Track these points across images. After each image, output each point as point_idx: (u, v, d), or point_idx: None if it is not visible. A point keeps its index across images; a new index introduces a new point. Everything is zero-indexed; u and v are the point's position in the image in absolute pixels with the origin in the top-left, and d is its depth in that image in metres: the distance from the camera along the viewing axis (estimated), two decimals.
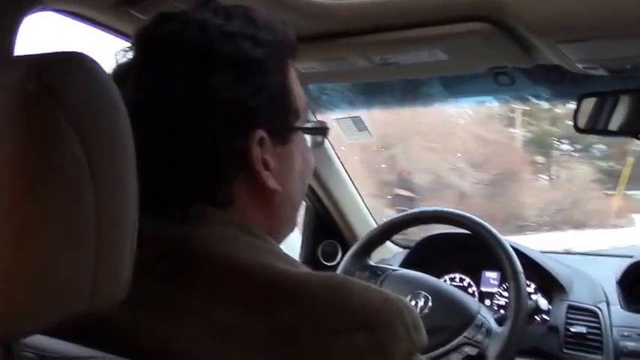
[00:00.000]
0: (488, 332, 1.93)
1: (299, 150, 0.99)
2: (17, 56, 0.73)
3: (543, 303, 2.11)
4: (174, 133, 0.89)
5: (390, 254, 2.67)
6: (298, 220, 1.07)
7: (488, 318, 1.98)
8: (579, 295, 2.16)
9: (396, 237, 2.54)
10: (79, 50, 0.69)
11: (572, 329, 2.08)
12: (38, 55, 0.67)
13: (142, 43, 0.95)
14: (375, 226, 2.51)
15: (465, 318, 1.95)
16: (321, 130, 1.07)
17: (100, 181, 0.64)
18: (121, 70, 0.94)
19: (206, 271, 0.83)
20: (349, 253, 2.28)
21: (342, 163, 2.64)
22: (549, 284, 2.20)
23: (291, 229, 1.05)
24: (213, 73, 0.88)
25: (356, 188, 2.73)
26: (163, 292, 0.83)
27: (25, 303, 0.61)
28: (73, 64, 0.66)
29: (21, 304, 0.61)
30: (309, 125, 1.03)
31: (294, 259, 0.90)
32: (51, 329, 0.66)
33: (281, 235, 1.01)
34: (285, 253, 0.91)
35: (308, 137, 1.04)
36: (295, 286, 0.81)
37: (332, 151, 2.57)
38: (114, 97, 0.68)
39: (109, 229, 0.66)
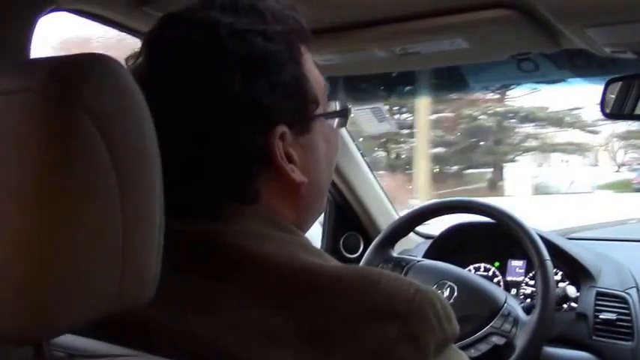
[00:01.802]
0: (516, 321, 1.93)
1: (322, 135, 0.99)
2: (36, 58, 0.72)
3: (571, 290, 2.09)
4: (194, 137, 0.89)
5: (412, 245, 2.66)
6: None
7: (515, 307, 1.99)
8: (608, 282, 2.14)
9: (418, 228, 2.54)
10: (100, 52, 0.69)
11: (602, 316, 2.06)
12: (59, 57, 0.68)
13: (150, 48, 0.95)
14: (397, 217, 2.50)
15: (491, 307, 1.96)
16: (341, 113, 1.06)
17: (124, 180, 0.65)
18: (133, 77, 0.93)
19: (237, 267, 0.84)
20: (372, 244, 2.29)
21: (362, 154, 2.64)
22: (577, 271, 2.18)
23: (319, 216, 1.07)
24: (226, 75, 0.88)
25: (376, 179, 2.73)
26: (195, 290, 0.84)
27: (53, 303, 0.62)
28: (95, 65, 0.67)
29: (50, 304, 0.62)
30: (329, 110, 1.03)
31: (323, 252, 0.92)
32: (81, 329, 0.68)
33: (308, 224, 1.03)
34: (314, 246, 0.92)
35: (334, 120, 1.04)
36: (326, 279, 0.82)
37: (351, 142, 2.56)
38: (136, 97, 0.69)
39: (135, 228, 0.67)
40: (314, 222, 1.05)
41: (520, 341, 1.89)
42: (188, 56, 0.90)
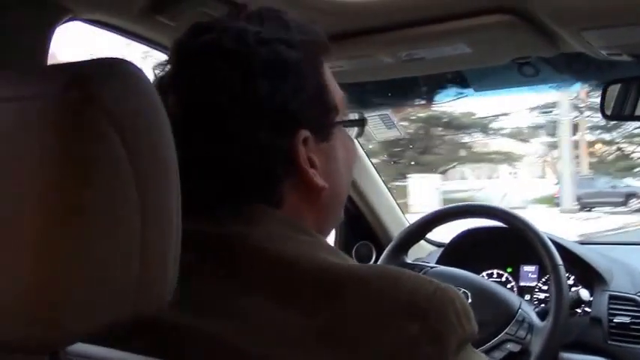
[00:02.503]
0: (531, 327, 1.92)
1: (341, 143, 1.02)
2: (55, 64, 0.74)
3: (585, 294, 2.06)
4: (221, 141, 0.92)
5: (424, 253, 2.66)
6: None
7: (529, 313, 1.97)
8: (620, 285, 2.14)
9: (430, 236, 2.53)
10: (120, 56, 0.70)
11: (616, 320, 2.06)
12: (79, 62, 0.69)
13: (180, 54, 0.98)
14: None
15: (506, 314, 1.95)
16: (360, 122, 1.09)
17: (143, 184, 0.65)
18: (161, 84, 0.96)
19: (258, 269, 0.85)
20: (386, 251, 2.28)
21: (372, 162, 2.65)
22: (589, 275, 2.18)
23: (337, 223, 1.08)
24: (253, 80, 0.91)
25: (388, 188, 2.74)
26: (214, 291, 0.85)
27: (69, 310, 0.62)
28: (114, 69, 0.68)
29: (65, 312, 0.62)
30: (347, 118, 1.05)
31: (343, 254, 0.93)
32: (98, 335, 0.67)
33: (328, 230, 1.05)
34: (334, 248, 0.94)
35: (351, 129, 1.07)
36: (347, 278, 0.83)
37: (361, 150, 2.57)
38: (155, 102, 0.70)
39: (153, 232, 0.67)
40: (332, 229, 1.08)
41: (535, 347, 1.87)
42: (218, 61, 0.92)
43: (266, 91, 0.91)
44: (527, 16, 1.51)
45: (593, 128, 23.76)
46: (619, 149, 24.04)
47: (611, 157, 24.35)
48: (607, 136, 23.74)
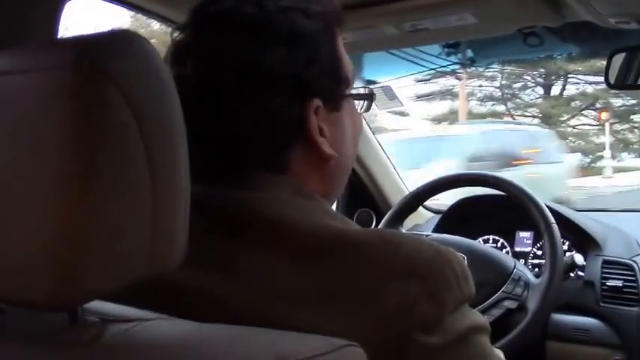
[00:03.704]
0: (527, 285, 1.93)
1: (349, 115, 1.00)
2: (65, 38, 0.74)
3: (579, 258, 2.07)
4: (235, 106, 0.90)
5: (422, 220, 2.65)
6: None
7: (525, 272, 1.99)
8: (614, 250, 2.12)
9: (429, 202, 2.52)
10: (128, 29, 0.71)
11: (608, 283, 2.05)
12: (88, 35, 0.69)
13: (199, 20, 0.95)
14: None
15: (502, 273, 1.95)
16: (368, 96, 1.06)
17: (152, 149, 0.65)
18: (178, 50, 0.95)
19: (263, 232, 0.85)
20: (384, 220, 2.28)
21: (373, 132, 2.62)
22: (584, 240, 2.17)
23: (341, 192, 1.06)
24: (270, 47, 0.89)
25: (388, 157, 2.72)
26: (223, 253, 0.84)
27: (86, 269, 0.63)
28: (122, 41, 0.68)
29: (82, 271, 0.63)
30: (357, 91, 1.04)
31: (345, 217, 0.93)
32: (115, 294, 0.68)
33: (332, 198, 1.02)
34: (338, 213, 0.94)
35: (356, 102, 1.04)
36: (349, 241, 0.82)
37: (363, 120, 2.52)
38: (163, 72, 0.70)
39: (163, 195, 0.67)
40: (336, 197, 1.06)
41: (532, 303, 1.88)
42: (236, 26, 0.91)
43: (282, 58, 0.89)
44: None
45: (484, 99, 23.47)
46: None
47: None
48: (501, 108, 23.46)
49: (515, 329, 1.85)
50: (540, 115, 22.97)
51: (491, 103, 23.40)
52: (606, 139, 21.74)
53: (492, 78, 22.54)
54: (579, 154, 21.37)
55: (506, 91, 23.41)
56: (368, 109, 1.08)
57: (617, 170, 20.59)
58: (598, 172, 20.46)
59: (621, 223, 2.29)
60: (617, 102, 22.86)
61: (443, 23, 1.71)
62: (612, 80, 1.84)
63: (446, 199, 2.53)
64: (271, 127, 0.90)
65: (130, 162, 0.64)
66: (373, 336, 0.77)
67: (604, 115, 21.78)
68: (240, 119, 0.90)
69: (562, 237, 1.98)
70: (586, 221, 2.22)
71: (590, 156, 22.25)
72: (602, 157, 21.24)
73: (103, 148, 0.62)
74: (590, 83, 22.48)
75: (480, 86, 22.92)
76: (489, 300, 1.91)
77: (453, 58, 2.06)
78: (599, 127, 22.80)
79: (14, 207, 0.63)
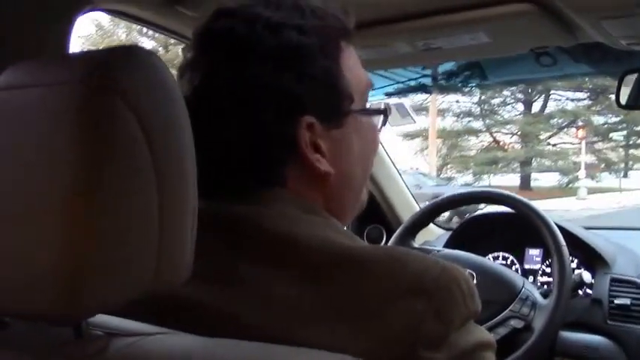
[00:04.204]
0: (534, 305, 1.90)
1: (358, 132, 0.97)
2: (76, 53, 0.75)
3: (587, 276, 2.04)
4: (226, 122, 0.90)
5: (433, 237, 2.63)
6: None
7: (533, 291, 1.95)
8: (622, 268, 2.10)
9: (438, 220, 2.52)
10: (137, 44, 0.72)
11: (616, 301, 2.02)
12: (100, 50, 0.69)
13: (196, 38, 0.96)
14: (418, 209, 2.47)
15: (510, 292, 1.92)
16: (378, 112, 1.03)
17: (161, 164, 0.65)
18: (181, 66, 0.96)
19: (270, 248, 0.84)
20: (394, 236, 2.26)
21: (384, 148, 2.60)
22: (592, 258, 2.14)
23: (354, 212, 1.03)
24: (259, 65, 0.89)
25: (399, 173, 2.70)
26: (228, 268, 0.84)
27: (92, 283, 0.62)
28: (131, 56, 0.68)
29: (88, 285, 0.62)
30: (365, 107, 1.00)
31: (352, 234, 0.92)
32: (119, 308, 0.68)
33: (342, 215, 0.99)
34: (344, 229, 0.92)
35: (373, 118, 1.02)
36: (356, 258, 0.81)
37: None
38: (172, 86, 0.70)
39: (170, 211, 0.67)
40: (351, 215, 1.02)
41: (538, 324, 1.85)
42: (229, 46, 0.91)
43: (269, 75, 0.88)
44: (547, 5, 1.46)
45: (461, 115, 22.51)
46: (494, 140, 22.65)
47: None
48: (477, 124, 22.55)
49: (521, 348, 1.83)
50: (519, 133, 22.33)
51: (468, 119, 22.63)
52: (582, 158, 21.10)
53: (470, 93, 21.42)
54: (557, 173, 20.89)
55: (485, 106, 22.48)
56: (383, 125, 1.05)
57: (595, 191, 20.00)
58: (575, 192, 20.01)
59: (630, 242, 2.27)
60: (598, 119, 22.10)
61: (456, 42, 1.69)
62: (624, 101, 1.82)
63: None
64: (262, 143, 0.89)
65: (137, 177, 0.64)
66: (380, 353, 0.76)
67: (581, 133, 21.05)
68: (232, 134, 0.90)
69: (570, 254, 1.95)
70: (594, 239, 2.20)
71: (569, 175, 21.51)
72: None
73: (110, 163, 0.62)
74: (572, 100, 21.74)
75: (457, 102, 22.20)
76: (496, 318, 1.89)
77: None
78: (579, 145, 22.10)
79: (21, 220, 0.63)
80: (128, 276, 0.65)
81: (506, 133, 22.64)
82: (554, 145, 22.51)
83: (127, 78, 0.65)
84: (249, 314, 0.79)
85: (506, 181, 20.61)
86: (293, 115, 0.89)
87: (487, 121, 22.29)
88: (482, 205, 2.58)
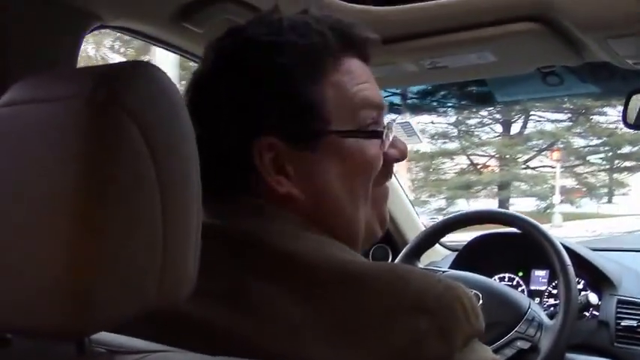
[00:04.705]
0: (540, 326, 1.87)
1: (338, 154, 0.92)
2: (83, 68, 0.75)
3: (593, 298, 2.03)
4: (203, 135, 0.85)
5: (439, 257, 2.61)
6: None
7: (539, 312, 1.92)
8: (629, 290, 2.08)
9: (445, 240, 2.50)
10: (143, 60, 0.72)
11: (623, 323, 2.01)
12: (106, 65, 0.71)
13: (204, 54, 0.98)
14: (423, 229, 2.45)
15: (516, 313, 1.89)
16: (365, 134, 0.95)
17: (165, 179, 0.65)
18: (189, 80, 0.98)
19: (271, 264, 0.83)
20: (400, 255, 2.23)
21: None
22: (598, 280, 2.13)
23: (358, 238, 0.96)
24: (230, 84, 0.90)
25: (405, 192, 2.68)
26: (231, 284, 0.83)
27: (94, 300, 0.62)
28: (137, 71, 0.69)
29: (91, 301, 0.61)
30: (351, 129, 0.93)
31: (354, 252, 0.91)
32: (123, 325, 0.67)
33: (349, 244, 0.93)
34: (344, 246, 0.89)
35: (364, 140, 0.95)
36: (359, 275, 0.81)
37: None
38: (177, 101, 0.70)
39: (174, 228, 0.66)
40: (356, 241, 0.96)
41: (544, 345, 1.82)
42: (218, 59, 0.94)
43: (240, 91, 0.90)
44: (554, 24, 1.46)
45: (436, 137, 20.80)
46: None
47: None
48: (452, 146, 21.11)
49: None
50: (497, 155, 21.24)
51: (443, 141, 21.16)
52: (557, 182, 20.10)
53: (445, 113, 19.54)
54: (534, 198, 19.93)
55: (462, 127, 21.09)
56: (381, 146, 0.97)
57: (574, 217, 19.01)
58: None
59: (637, 263, 2.24)
60: (579, 142, 20.93)
61: (462, 61, 1.69)
62: (631, 120, 1.82)
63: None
64: (223, 160, 0.90)
65: (141, 191, 0.64)
66: None
67: (556, 155, 20.02)
68: (205, 146, 0.84)
69: (577, 276, 1.93)
70: (601, 260, 2.18)
71: (547, 201, 20.02)
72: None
73: (114, 177, 0.62)
74: (553, 121, 20.62)
75: (432, 122, 20.48)
76: (502, 340, 1.85)
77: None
78: (559, 168, 20.91)
79: (24, 234, 0.62)
80: (132, 292, 0.64)
81: (483, 156, 21.62)
82: (534, 168, 21.48)
83: (133, 92, 0.65)
84: (253, 331, 0.78)
85: (482, 205, 19.97)
86: (252, 134, 0.89)
87: (463, 142, 21.15)
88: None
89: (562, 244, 1.97)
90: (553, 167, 20.59)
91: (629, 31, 1.42)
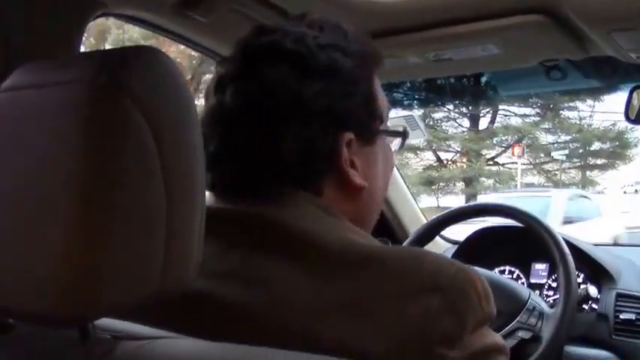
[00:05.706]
0: (541, 315, 1.86)
1: (382, 151, 1.01)
2: (88, 52, 0.74)
3: (593, 291, 2.02)
4: (271, 133, 0.91)
5: (439, 250, 2.58)
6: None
7: (539, 302, 1.91)
8: (628, 284, 2.07)
9: (446, 233, 2.47)
10: (146, 44, 0.70)
11: (622, 316, 2.00)
12: (108, 50, 0.69)
13: (243, 51, 0.96)
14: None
15: (517, 303, 1.88)
16: (400, 134, 1.07)
17: (168, 165, 0.64)
18: (221, 77, 0.96)
19: (287, 244, 0.84)
20: None
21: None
22: (598, 273, 2.12)
23: (372, 225, 1.04)
24: (307, 80, 0.91)
25: (407, 185, 2.67)
26: (249, 265, 0.84)
27: (98, 285, 0.61)
28: (140, 56, 0.67)
29: (95, 286, 0.61)
30: (391, 129, 1.05)
31: (369, 235, 0.93)
32: (128, 310, 0.67)
33: (366, 230, 1.00)
34: (362, 231, 0.92)
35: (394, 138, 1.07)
36: (373, 256, 0.82)
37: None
38: (181, 86, 0.69)
39: (178, 212, 0.66)
40: (370, 227, 1.04)
41: (546, 333, 1.81)
42: (276, 59, 0.92)
43: (317, 92, 0.90)
44: (558, 16, 1.45)
45: None
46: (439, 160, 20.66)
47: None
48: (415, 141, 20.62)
49: (529, 359, 1.79)
50: (463, 151, 20.79)
51: None
52: (518, 179, 19.87)
53: (410, 106, 19.53)
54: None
55: (428, 122, 20.56)
56: (402, 146, 1.10)
57: None
58: None
59: (636, 257, 2.24)
60: (548, 138, 20.57)
61: (466, 54, 1.69)
62: (633, 115, 1.82)
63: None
64: (305, 154, 0.91)
65: (145, 176, 0.63)
66: (397, 350, 0.76)
67: (517, 151, 19.66)
68: (277, 145, 0.90)
69: (577, 269, 1.92)
70: (601, 254, 2.17)
71: None
72: None
73: (118, 161, 0.61)
74: (520, 115, 20.19)
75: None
76: (503, 330, 1.84)
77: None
78: (528, 165, 20.61)
79: (29, 222, 0.62)
80: (134, 278, 0.63)
81: (448, 151, 21.32)
82: (502, 164, 21.07)
83: (136, 77, 0.64)
84: (268, 311, 0.79)
85: (447, 202, 19.38)
86: (336, 131, 0.92)
87: (428, 137, 20.44)
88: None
89: (562, 237, 1.95)
90: (523, 164, 20.35)
91: (633, 24, 1.41)
